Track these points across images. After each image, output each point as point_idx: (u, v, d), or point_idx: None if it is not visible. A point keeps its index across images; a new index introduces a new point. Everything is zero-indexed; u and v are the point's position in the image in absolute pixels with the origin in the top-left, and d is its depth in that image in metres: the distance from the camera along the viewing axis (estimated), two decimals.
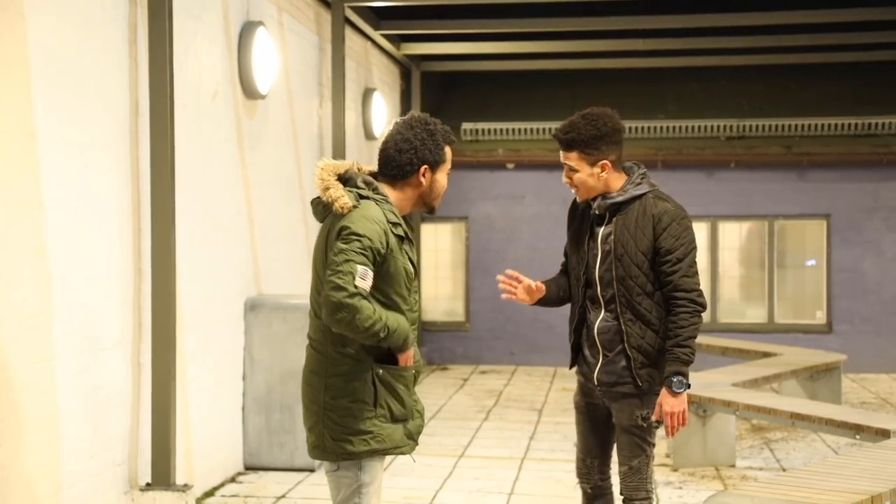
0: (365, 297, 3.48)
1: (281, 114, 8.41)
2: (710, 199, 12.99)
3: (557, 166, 4.42)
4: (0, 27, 4.67)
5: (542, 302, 4.46)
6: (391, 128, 3.81)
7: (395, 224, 3.63)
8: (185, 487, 5.93)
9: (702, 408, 7.44)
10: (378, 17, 10.66)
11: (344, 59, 9.41)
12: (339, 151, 9.42)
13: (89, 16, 5.44)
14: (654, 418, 4.21)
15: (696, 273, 4.17)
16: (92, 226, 5.47)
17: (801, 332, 12.87)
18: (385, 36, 11.15)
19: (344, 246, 3.49)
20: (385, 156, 3.75)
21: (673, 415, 4.13)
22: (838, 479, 4.97)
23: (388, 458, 7.60)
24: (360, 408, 3.62)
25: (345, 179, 3.69)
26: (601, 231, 4.27)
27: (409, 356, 3.72)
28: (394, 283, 3.63)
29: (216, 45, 7.01)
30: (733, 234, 13.23)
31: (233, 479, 7.15)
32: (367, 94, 11.25)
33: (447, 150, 3.80)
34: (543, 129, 12.84)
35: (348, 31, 10.14)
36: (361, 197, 3.63)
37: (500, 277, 4.42)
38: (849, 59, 12.35)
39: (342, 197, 3.59)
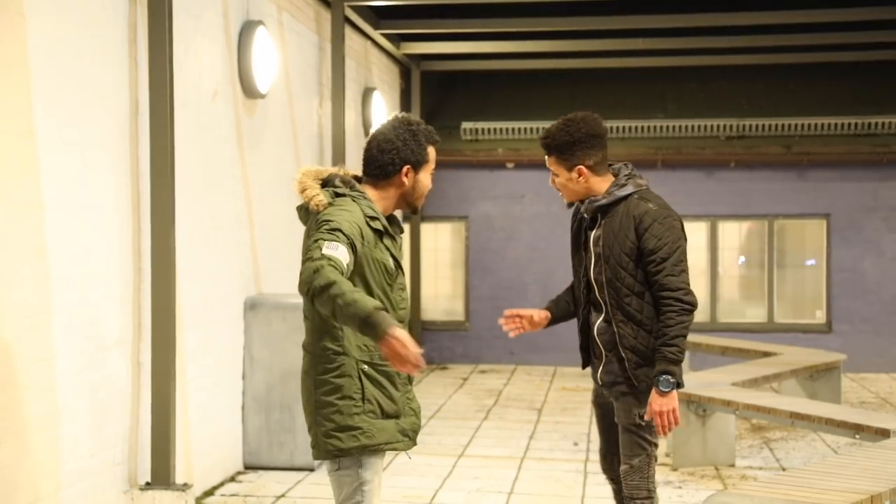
0: (334, 265, 3.39)
1: (281, 113, 8.41)
2: (709, 198, 13.00)
3: None
4: (0, 27, 4.68)
5: (553, 323, 4.57)
6: (375, 128, 3.87)
7: (372, 218, 3.68)
8: (185, 487, 5.93)
9: (701, 407, 7.43)
10: (378, 16, 10.66)
11: (344, 59, 9.41)
12: (338, 150, 9.42)
13: (89, 15, 5.44)
14: (646, 417, 4.22)
15: (682, 271, 4.18)
16: (92, 225, 5.47)
17: (801, 331, 12.87)
18: (385, 35, 11.15)
19: (315, 232, 3.54)
20: (368, 156, 3.82)
21: (662, 413, 4.16)
22: (838, 478, 4.97)
23: (388, 457, 7.65)
24: (347, 404, 3.64)
25: (324, 182, 3.77)
26: (593, 234, 4.34)
27: (397, 344, 3.27)
28: (371, 278, 3.65)
29: (216, 44, 7.01)
30: (733, 234, 13.24)
31: (232, 479, 7.15)
32: (366, 93, 11.25)
33: (430, 149, 3.85)
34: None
35: (348, 31, 10.14)
36: (338, 195, 3.70)
37: (501, 321, 4.52)
38: (849, 58, 12.35)
39: (317, 195, 3.67)
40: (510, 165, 13.24)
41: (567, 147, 4.28)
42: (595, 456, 7.81)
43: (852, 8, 10.19)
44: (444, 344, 13.42)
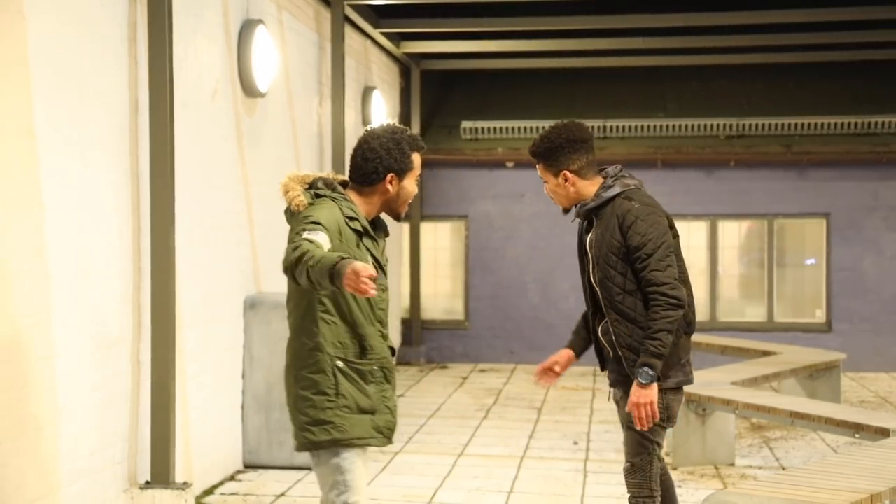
0: (313, 245, 3.49)
1: (281, 112, 8.41)
2: (709, 197, 12.99)
3: None
4: (0, 27, 4.68)
5: (579, 356, 4.72)
6: (360, 136, 3.95)
7: (350, 218, 3.76)
8: (185, 485, 5.93)
9: (701, 406, 7.44)
10: (378, 15, 10.66)
11: (344, 58, 9.41)
12: (338, 149, 9.43)
13: (89, 15, 5.44)
14: (627, 409, 4.27)
15: (668, 266, 4.24)
16: (91, 224, 5.47)
17: (801, 330, 12.87)
18: (385, 34, 11.15)
19: (295, 226, 3.69)
20: (353, 163, 3.91)
21: (640, 405, 4.22)
22: (838, 477, 4.97)
23: (387, 456, 7.65)
24: (321, 399, 3.77)
25: (309, 186, 3.86)
26: (588, 237, 4.43)
27: (352, 275, 3.26)
28: None
29: (216, 43, 7.01)
30: (733, 233, 13.24)
31: (232, 478, 7.15)
32: (366, 92, 11.25)
33: (415, 156, 3.91)
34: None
35: (348, 30, 10.14)
36: (318, 196, 3.79)
37: (535, 379, 4.74)
38: (848, 58, 12.36)
39: (298, 196, 3.77)
40: (510, 164, 13.24)
41: (550, 153, 4.42)
42: (595, 455, 7.82)
43: (852, 7, 10.19)
44: (444, 343, 13.41)
